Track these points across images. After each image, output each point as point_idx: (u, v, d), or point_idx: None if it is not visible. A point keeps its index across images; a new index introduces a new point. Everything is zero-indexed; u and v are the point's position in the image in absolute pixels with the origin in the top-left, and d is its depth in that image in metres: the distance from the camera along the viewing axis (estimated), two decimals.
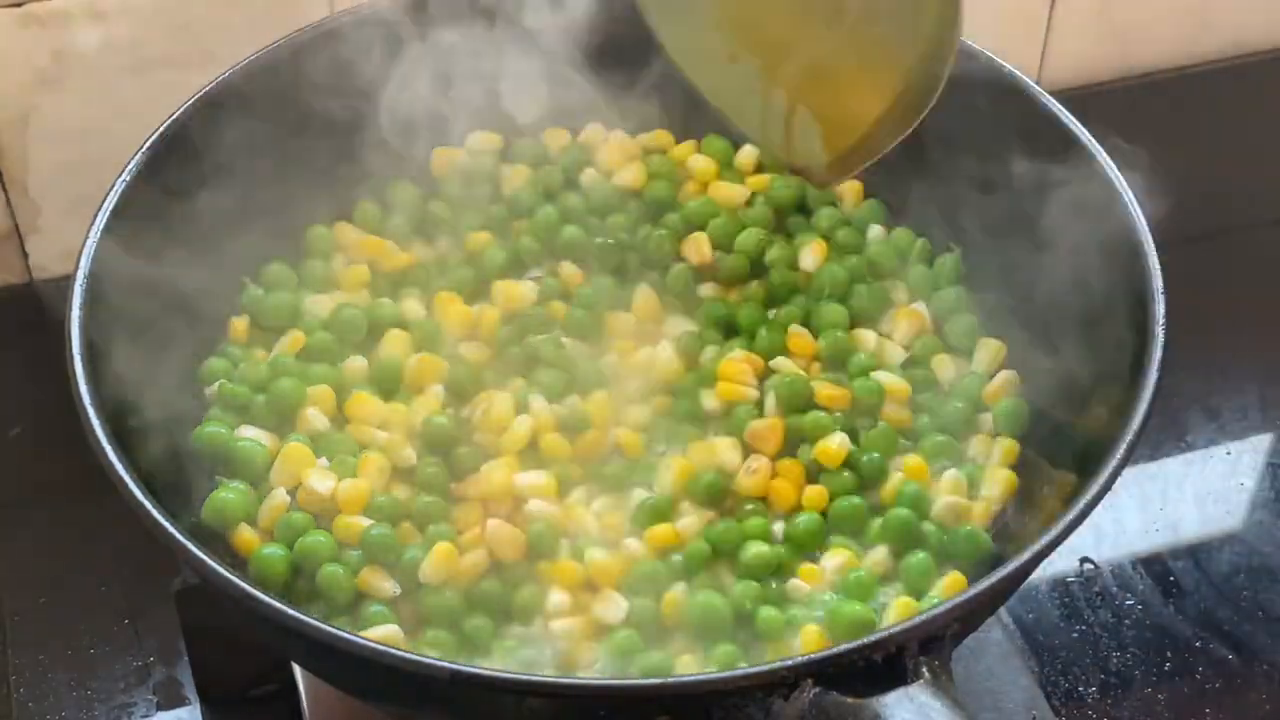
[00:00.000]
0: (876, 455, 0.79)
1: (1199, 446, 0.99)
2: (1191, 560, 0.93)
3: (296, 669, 0.82)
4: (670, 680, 0.66)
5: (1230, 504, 0.96)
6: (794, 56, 0.84)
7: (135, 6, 0.98)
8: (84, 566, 0.90)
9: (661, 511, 0.77)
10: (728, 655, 0.72)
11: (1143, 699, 0.86)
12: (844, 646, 0.62)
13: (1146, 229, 0.77)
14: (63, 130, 1.00)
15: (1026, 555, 0.66)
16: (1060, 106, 0.83)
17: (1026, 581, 0.72)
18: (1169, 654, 0.88)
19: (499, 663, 0.72)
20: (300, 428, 0.79)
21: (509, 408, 0.80)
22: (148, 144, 0.81)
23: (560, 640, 0.73)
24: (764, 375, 0.83)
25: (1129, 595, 0.91)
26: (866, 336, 0.85)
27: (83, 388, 0.71)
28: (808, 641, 0.72)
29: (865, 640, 0.62)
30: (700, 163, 0.92)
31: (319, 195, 0.88)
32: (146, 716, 0.84)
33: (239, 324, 0.84)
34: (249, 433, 0.79)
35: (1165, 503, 0.96)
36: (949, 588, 0.74)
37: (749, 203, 0.91)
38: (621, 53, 0.89)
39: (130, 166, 0.80)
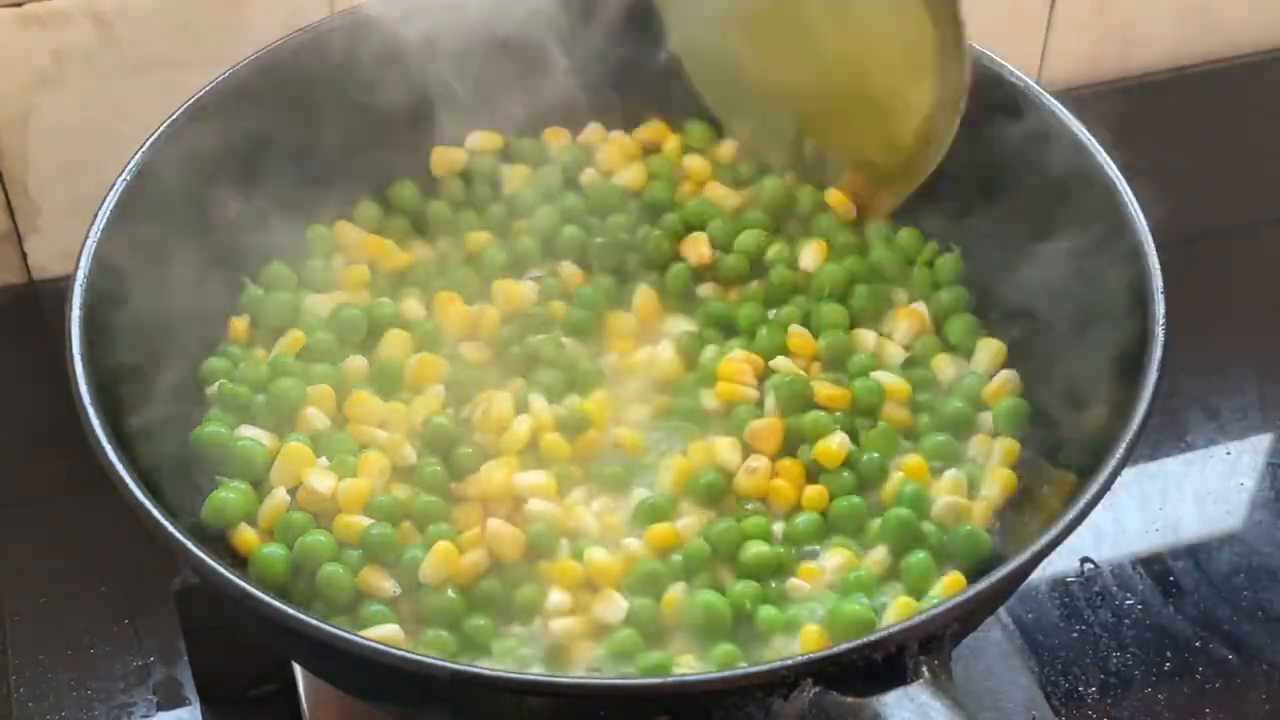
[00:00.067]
0: (876, 455, 0.79)
1: (1199, 446, 0.99)
2: (1191, 560, 0.92)
3: (296, 669, 0.82)
4: (670, 680, 0.66)
5: (1230, 504, 0.96)
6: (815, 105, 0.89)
7: (135, 6, 0.98)
8: (84, 566, 0.90)
9: (661, 511, 0.77)
10: (727, 655, 0.71)
11: (1143, 699, 0.86)
12: (844, 646, 0.62)
13: (1146, 229, 0.77)
14: (63, 130, 1.00)
15: (1026, 555, 0.66)
16: (1060, 106, 0.83)
17: (1026, 581, 0.72)
18: (1169, 654, 0.88)
19: (499, 663, 0.72)
20: (300, 427, 0.79)
21: (509, 408, 0.80)
22: (148, 144, 0.81)
23: (559, 640, 0.72)
24: (764, 375, 0.83)
25: (1129, 595, 0.91)
26: (866, 336, 0.85)
27: (83, 388, 0.71)
28: (807, 641, 0.72)
29: (865, 640, 0.62)
30: (696, 162, 0.92)
31: (319, 195, 0.88)
32: (146, 716, 0.84)
33: (239, 324, 0.84)
34: (249, 432, 0.79)
35: (1165, 503, 0.96)
36: (949, 588, 0.74)
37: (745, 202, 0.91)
38: (622, 46, 0.89)
39: (130, 166, 0.80)
